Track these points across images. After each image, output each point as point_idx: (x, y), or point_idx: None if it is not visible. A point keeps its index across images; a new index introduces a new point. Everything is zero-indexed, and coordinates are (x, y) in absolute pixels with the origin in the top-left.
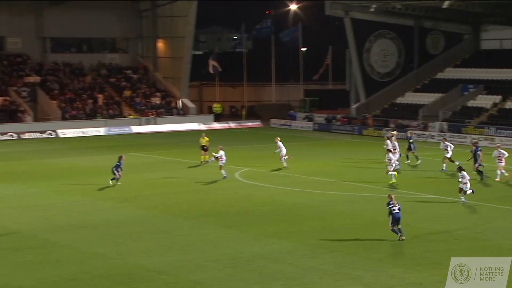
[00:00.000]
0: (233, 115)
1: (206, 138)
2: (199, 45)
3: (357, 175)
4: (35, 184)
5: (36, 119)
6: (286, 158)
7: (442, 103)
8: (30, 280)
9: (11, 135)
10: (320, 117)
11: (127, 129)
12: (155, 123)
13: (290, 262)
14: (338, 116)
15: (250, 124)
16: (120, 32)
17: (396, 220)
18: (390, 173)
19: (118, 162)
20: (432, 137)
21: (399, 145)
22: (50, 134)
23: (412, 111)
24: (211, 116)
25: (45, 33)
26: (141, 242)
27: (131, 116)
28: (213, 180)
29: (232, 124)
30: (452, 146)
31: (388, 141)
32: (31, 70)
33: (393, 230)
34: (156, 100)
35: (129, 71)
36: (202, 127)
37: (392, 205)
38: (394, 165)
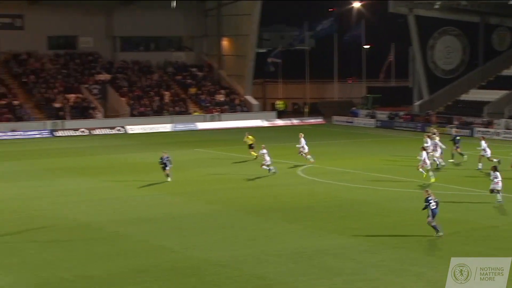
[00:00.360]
0: (295, 112)
1: (250, 137)
2: (263, 43)
3: (419, 172)
4: (104, 179)
5: (106, 115)
6: (308, 157)
7: (508, 100)
8: (100, 270)
9: (83, 131)
10: (382, 114)
11: (192, 125)
12: (219, 120)
13: (352, 257)
14: (401, 113)
15: (312, 121)
16: (186, 31)
17: (434, 215)
18: (420, 169)
19: (166, 157)
20: (498, 134)
21: (442, 143)
22: (119, 130)
23: (476, 108)
24: (274, 113)
25: (115, 33)
26: (205, 236)
27: (196, 113)
28: (276, 176)
29: (295, 121)
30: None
31: (428, 139)
32: (101, 68)
33: (430, 224)
34: (220, 97)
35: (194, 69)
36: (265, 123)
37: (430, 201)
38: (428, 163)
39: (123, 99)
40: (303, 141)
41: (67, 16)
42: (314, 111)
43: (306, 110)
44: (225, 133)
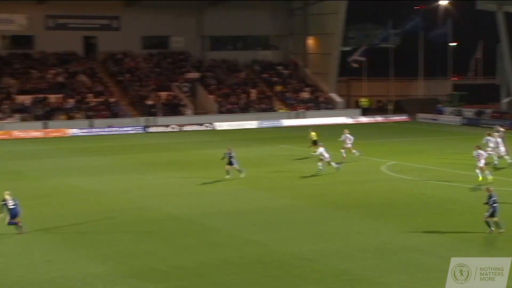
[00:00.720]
0: (380, 110)
1: (313, 133)
2: (348, 41)
3: (508, 170)
4: (194, 173)
5: (195, 112)
6: (353, 151)
7: None
8: (191, 261)
9: (173, 127)
10: (469, 112)
11: (277, 122)
12: (304, 117)
13: (438, 254)
14: (488, 111)
15: (396, 118)
16: (273, 30)
17: (494, 213)
18: (477, 171)
19: (229, 153)
20: None
21: (504, 142)
22: (207, 126)
23: None
24: (358, 110)
25: (205, 32)
26: (290, 230)
27: (281, 110)
28: (359, 172)
29: (379, 118)
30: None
31: (490, 137)
32: (192, 67)
33: (487, 222)
34: (305, 95)
35: (280, 67)
36: (350, 120)
37: (494, 198)
38: (483, 161)
39: (211, 96)
40: (348, 136)
41: (160, 17)
42: (398, 109)
43: (391, 107)
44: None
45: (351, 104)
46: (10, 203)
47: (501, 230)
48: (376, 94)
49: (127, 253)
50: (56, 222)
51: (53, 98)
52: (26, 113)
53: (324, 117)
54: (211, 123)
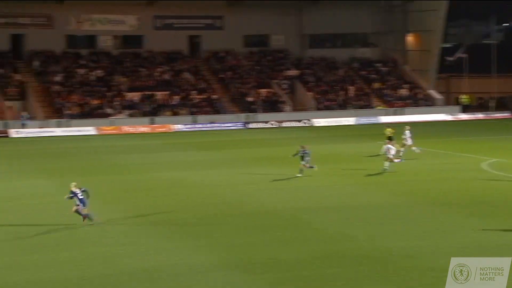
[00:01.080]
0: (480, 107)
1: (389, 129)
2: (448, 38)
3: None
4: (291, 168)
5: (294, 109)
6: (413, 148)
7: None
8: (289, 255)
9: (272, 123)
10: None
11: (374, 119)
12: (402, 114)
13: None
14: None
15: (498, 115)
16: (372, 27)
17: None
18: None
19: (302, 151)
20: None
21: None
22: (305, 123)
23: None
24: (458, 107)
25: (305, 30)
26: (389, 226)
27: (379, 107)
28: (459, 170)
29: (480, 115)
30: None
31: None
32: (291, 65)
33: None
34: (404, 92)
35: (379, 64)
36: (449, 117)
37: None
38: None
39: (310, 93)
40: (408, 133)
41: (261, 16)
42: (501, 106)
43: (492, 104)
44: None
45: (450, 101)
46: (79, 194)
47: None
48: (477, 91)
49: (227, 244)
50: (161, 213)
51: (159, 95)
52: (135, 109)
53: (423, 114)
54: (309, 120)
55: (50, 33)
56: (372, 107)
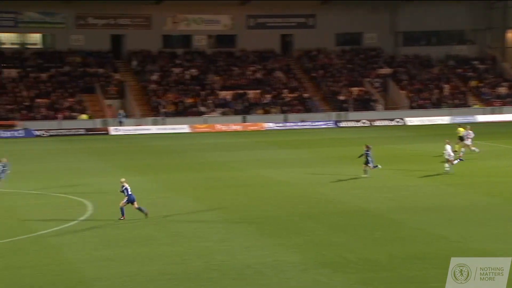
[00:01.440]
0: None
1: (460, 128)
2: None
3: None
4: (384, 167)
5: (386, 107)
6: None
7: None
8: (381, 255)
9: (364, 122)
10: None
11: (471, 118)
12: (500, 113)
13: None
14: None
15: None
16: (469, 24)
17: None
18: None
19: (366, 152)
20: None
21: None
22: (398, 122)
23: None
24: None
25: (398, 28)
26: (483, 228)
27: (475, 106)
28: None
29: None
30: None
31: None
32: (383, 63)
33: None
34: (503, 90)
35: (476, 62)
36: None
37: None
38: None
39: (403, 92)
40: (469, 132)
41: (353, 14)
42: None
43: None
44: (505, 126)
45: None
46: (129, 189)
47: None
48: None
49: (318, 243)
50: (252, 211)
51: (251, 93)
52: (227, 108)
53: None
54: (401, 119)
55: (147, 33)
56: (468, 106)
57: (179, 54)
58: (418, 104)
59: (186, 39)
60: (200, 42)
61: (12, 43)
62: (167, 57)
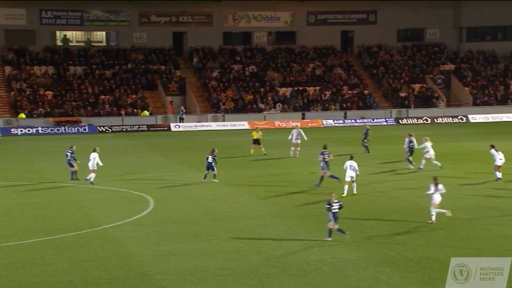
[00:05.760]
0: None
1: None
2: None
3: None
4: (446, 166)
5: (448, 104)
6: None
7: None
8: (443, 254)
9: (426, 119)
10: None
11: None
12: None
13: None
14: None
15: None
16: None
17: None
18: None
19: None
20: None
21: None
22: (461, 119)
23: None
24: None
25: (462, 23)
26: None
27: None
28: None
29: None
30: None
31: None
32: (446, 59)
33: None
34: None
35: None
36: None
37: None
38: None
39: (466, 88)
40: (427, 144)
41: (415, 10)
42: None
43: None
44: None
45: None
46: (335, 206)
47: None
48: None
49: (379, 241)
50: (311, 208)
51: (311, 90)
52: (286, 104)
53: None
54: (465, 116)
55: (208, 30)
56: None
57: (239, 51)
58: (482, 101)
59: (246, 36)
60: (260, 39)
61: (78, 41)
62: (227, 54)
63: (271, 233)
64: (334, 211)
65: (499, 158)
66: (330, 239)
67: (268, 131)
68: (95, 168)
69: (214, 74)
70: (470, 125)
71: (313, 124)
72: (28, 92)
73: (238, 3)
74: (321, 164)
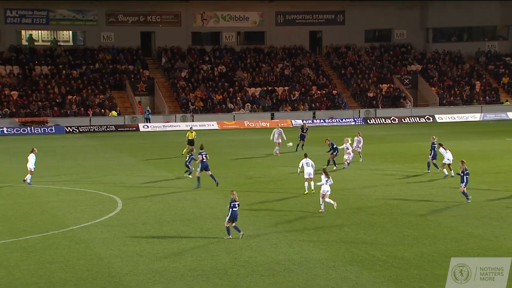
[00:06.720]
0: None
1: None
2: None
3: None
4: (410, 165)
5: (415, 104)
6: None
7: None
8: (411, 253)
9: (393, 119)
10: None
11: (503, 115)
12: None
13: None
14: None
15: None
16: (501, 20)
17: None
18: None
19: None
20: None
21: None
22: (428, 119)
23: None
24: None
25: (428, 24)
26: None
27: (507, 103)
28: None
29: None
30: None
31: None
32: (413, 59)
33: None
34: None
35: (508, 58)
36: None
37: None
38: None
39: (433, 88)
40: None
41: (383, 10)
42: None
43: None
44: None
45: None
46: (235, 204)
47: None
48: None
49: (348, 240)
50: (280, 208)
51: (280, 90)
52: (256, 104)
53: None
54: (431, 116)
55: (177, 30)
56: (500, 103)
57: (208, 51)
58: (448, 101)
59: (215, 36)
60: (229, 39)
61: (44, 40)
62: (196, 54)
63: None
64: (234, 209)
65: (447, 158)
66: (230, 237)
67: (238, 131)
68: (32, 170)
69: (183, 74)
70: (437, 125)
71: (282, 124)
72: None
73: (207, 3)
74: (200, 164)
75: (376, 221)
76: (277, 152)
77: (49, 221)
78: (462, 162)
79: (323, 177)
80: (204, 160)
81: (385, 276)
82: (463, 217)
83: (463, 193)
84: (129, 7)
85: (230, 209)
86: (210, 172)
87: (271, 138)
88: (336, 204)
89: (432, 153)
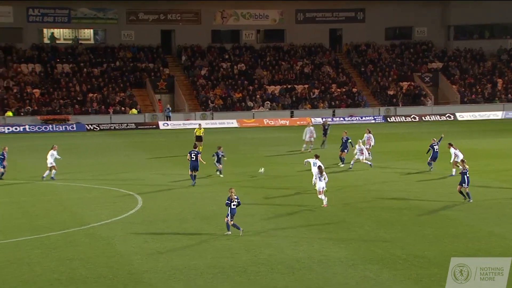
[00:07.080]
0: None
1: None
2: None
3: None
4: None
5: (436, 102)
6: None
7: None
8: (431, 251)
9: (414, 117)
10: None
11: None
12: None
13: None
14: None
15: None
16: None
17: None
18: None
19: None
20: None
21: None
22: (448, 117)
23: None
24: None
25: (450, 22)
26: None
27: None
28: None
29: None
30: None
31: None
32: (434, 57)
33: None
34: None
35: None
36: None
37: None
38: None
39: (454, 86)
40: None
41: (404, 8)
42: None
43: None
44: None
45: None
46: (234, 202)
47: None
48: None
49: (368, 239)
50: (299, 206)
51: (299, 88)
52: (275, 102)
53: None
54: (452, 114)
55: (197, 28)
56: None
57: (227, 49)
58: (470, 99)
59: (234, 34)
60: (248, 37)
61: (65, 39)
62: (216, 52)
63: (260, 231)
64: (233, 207)
65: (457, 156)
66: (229, 232)
67: (257, 129)
68: (54, 164)
69: (203, 72)
70: (457, 123)
71: (302, 122)
72: (15, 90)
73: (227, 1)
74: (190, 163)
75: (396, 219)
76: (309, 149)
77: (70, 218)
78: (463, 161)
79: (317, 173)
80: (194, 159)
81: (405, 275)
82: (484, 216)
83: (463, 192)
84: (149, 5)
85: (229, 207)
86: (196, 173)
87: (303, 137)
88: (326, 202)
89: (432, 154)
